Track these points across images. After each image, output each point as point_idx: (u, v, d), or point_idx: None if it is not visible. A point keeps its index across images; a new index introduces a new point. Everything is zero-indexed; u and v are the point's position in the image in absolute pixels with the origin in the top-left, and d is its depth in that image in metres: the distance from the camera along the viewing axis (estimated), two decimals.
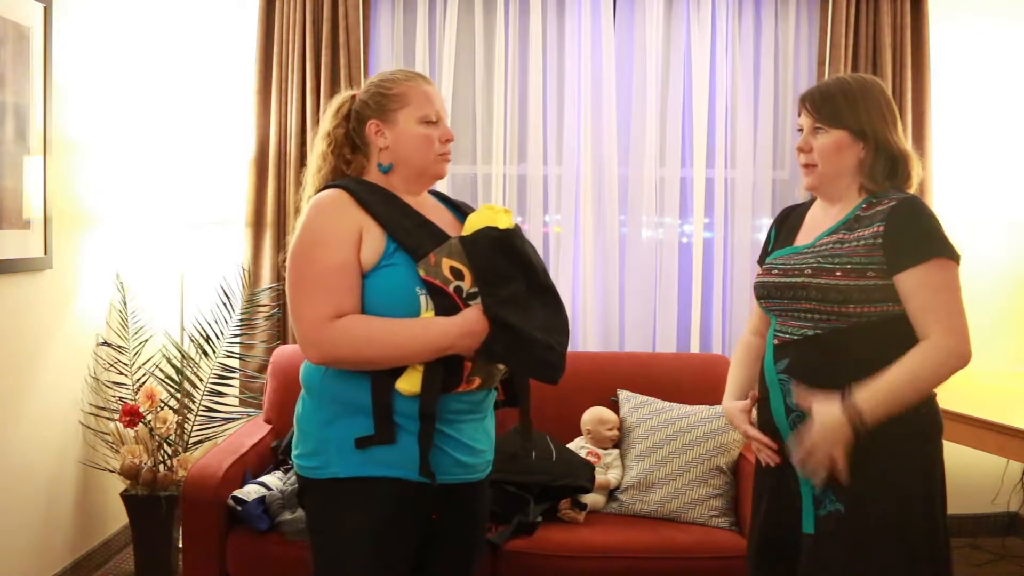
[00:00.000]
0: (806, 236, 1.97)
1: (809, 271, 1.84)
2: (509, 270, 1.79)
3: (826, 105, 1.88)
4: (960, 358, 1.76)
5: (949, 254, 1.78)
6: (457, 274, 1.76)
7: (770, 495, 2.00)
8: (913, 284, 1.77)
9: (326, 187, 1.86)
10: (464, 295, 1.76)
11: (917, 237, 1.78)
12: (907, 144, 1.92)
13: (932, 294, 1.76)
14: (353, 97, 1.95)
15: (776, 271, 1.94)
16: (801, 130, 1.94)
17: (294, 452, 1.87)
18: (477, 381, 1.80)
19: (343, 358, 1.75)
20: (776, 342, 1.91)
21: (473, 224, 1.83)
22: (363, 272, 1.77)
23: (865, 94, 1.88)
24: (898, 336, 1.80)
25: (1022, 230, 3.98)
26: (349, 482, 1.78)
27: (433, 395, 1.74)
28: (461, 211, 1.99)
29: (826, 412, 1.75)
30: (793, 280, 1.87)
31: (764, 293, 1.96)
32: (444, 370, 1.75)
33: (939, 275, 1.77)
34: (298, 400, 1.89)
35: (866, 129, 1.86)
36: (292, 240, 1.82)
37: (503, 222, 1.83)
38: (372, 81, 1.94)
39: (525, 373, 1.89)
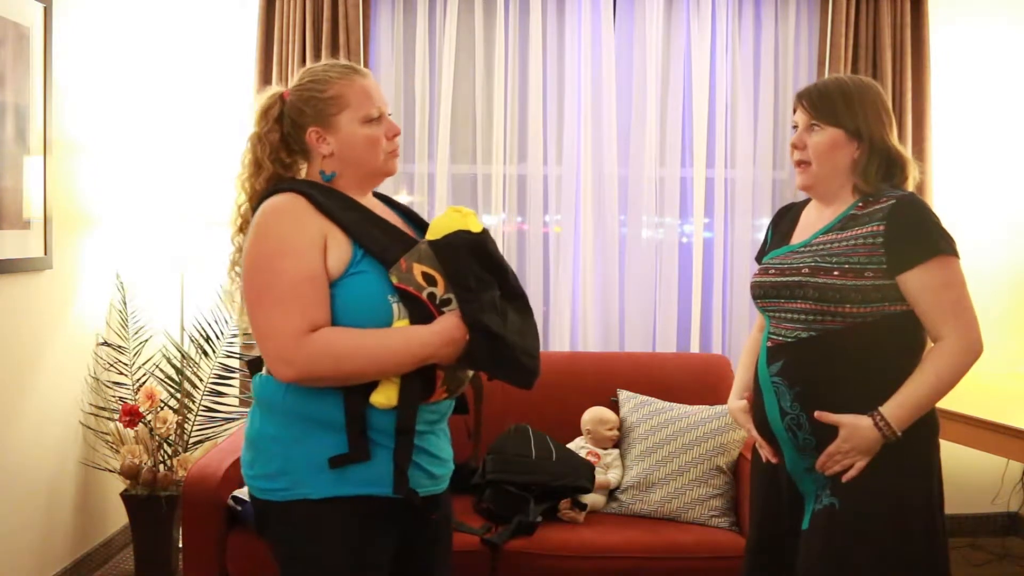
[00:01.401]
0: (801, 235, 1.97)
1: (807, 270, 1.84)
2: (485, 275, 1.71)
3: (823, 103, 1.88)
4: (974, 353, 1.80)
5: (951, 250, 1.79)
6: (430, 280, 1.67)
7: (767, 495, 2.00)
8: (918, 284, 1.77)
9: (275, 191, 1.73)
10: (437, 301, 1.68)
11: (919, 235, 1.79)
12: (904, 147, 1.93)
13: (939, 293, 1.78)
14: (282, 97, 1.80)
15: (773, 271, 1.93)
16: (796, 127, 1.94)
17: (248, 472, 1.74)
18: (446, 390, 1.74)
19: (321, 374, 1.63)
20: (770, 344, 1.91)
21: (442, 227, 1.72)
22: (330, 281, 1.66)
23: (862, 95, 1.89)
24: (893, 337, 1.80)
25: (1022, 230, 3.98)
26: (320, 503, 1.67)
27: (411, 408, 1.66)
28: (404, 212, 1.91)
29: (856, 427, 1.77)
30: (790, 279, 1.86)
31: (760, 293, 1.95)
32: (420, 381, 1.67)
33: (943, 273, 1.78)
34: (251, 416, 1.77)
35: (861, 129, 1.86)
36: (247, 249, 1.69)
37: (475, 225, 1.72)
38: (302, 82, 1.78)
39: (504, 378, 1.77)
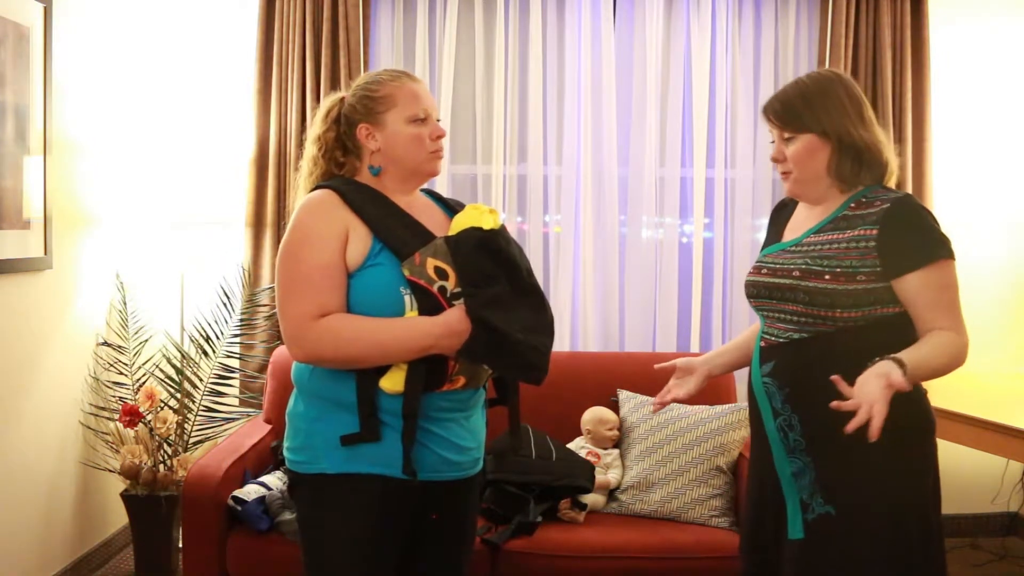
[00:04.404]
0: (792, 233, 1.96)
1: (798, 272, 1.83)
2: (492, 270, 1.79)
3: (787, 112, 1.87)
4: (965, 356, 1.78)
5: (947, 254, 1.78)
6: (441, 274, 1.77)
7: (755, 500, 1.97)
8: (917, 286, 1.76)
9: (316, 188, 1.88)
10: (448, 295, 1.77)
11: (917, 240, 1.77)
12: (877, 133, 1.87)
13: (937, 294, 1.77)
14: (342, 100, 1.94)
15: (765, 270, 1.92)
16: (774, 141, 1.92)
17: (285, 446, 1.90)
18: (462, 380, 1.82)
19: (326, 356, 1.77)
20: (763, 344, 1.90)
21: (459, 224, 1.84)
22: (349, 272, 1.79)
23: (823, 92, 1.86)
24: (884, 338, 1.77)
25: (1022, 230, 3.98)
26: (335, 478, 1.80)
27: (415, 394, 1.76)
28: (454, 210, 1.98)
29: (871, 368, 1.66)
30: (782, 281, 1.86)
31: (753, 292, 1.95)
32: (428, 369, 1.76)
33: (941, 275, 1.77)
34: (291, 396, 1.92)
35: (827, 128, 1.84)
36: (282, 241, 1.84)
37: (488, 222, 1.83)
38: (358, 84, 1.94)
39: (507, 374, 1.90)
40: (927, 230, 1.79)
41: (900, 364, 1.65)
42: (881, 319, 1.79)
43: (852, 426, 1.60)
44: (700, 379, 2.10)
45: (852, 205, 1.84)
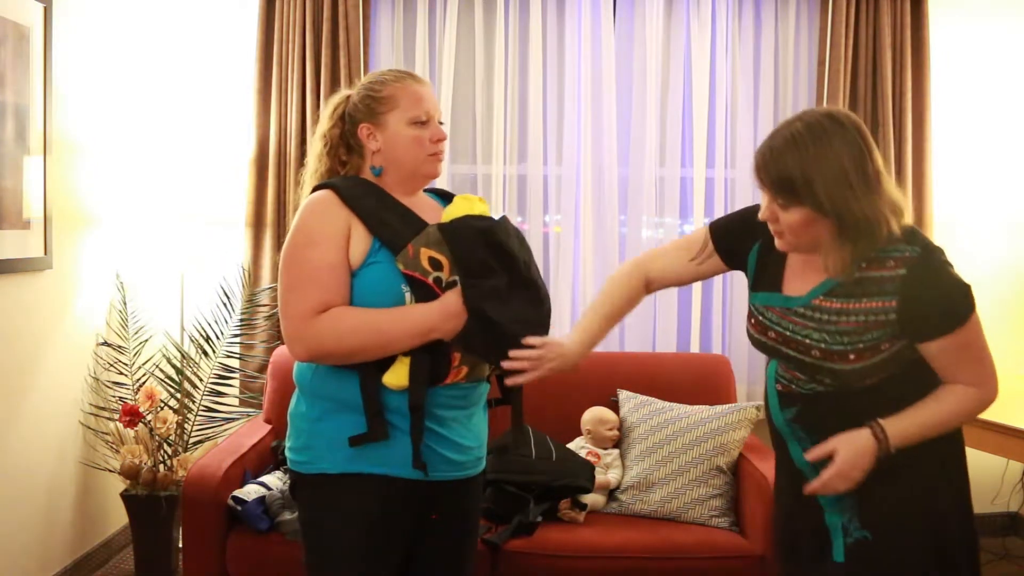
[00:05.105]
0: (795, 282, 1.78)
1: (817, 352, 1.70)
2: (492, 262, 1.79)
3: (780, 181, 1.64)
4: (989, 404, 1.76)
5: (969, 309, 1.68)
6: (436, 264, 1.76)
7: (792, 518, 1.89)
8: (938, 350, 1.69)
9: (318, 187, 1.87)
10: (443, 285, 1.77)
11: (938, 308, 1.66)
12: (884, 185, 1.65)
13: (958, 354, 1.70)
14: (348, 98, 1.94)
15: (773, 333, 1.78)
16: (764, 194, 1.73)
17: (287, 446, 1.89)
18: (465, 370, 1.81)
19: (328, 351, 1.76)
20: (779, 388, 1.81)
21: (450, 214, 1.84)
22: (352, 271, 1.79)
23: (821, 152, 1.61)
24: (912, 386, 1.73)
25: (1022, 230, 3.98)
26: (338, 478, 1.79)
27: (421, 386, 1.75)
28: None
29: (852, 436, 1.68)
30: (802, 358, 1.74)
31: (761, 350, 1.85)
32: (431, 360, 1.76)
33: (963, 337, 1.68)
34: (292, 396, 1.91)
35: (825, 206, 1.62)
36: (285, 241, 1.84)
37: (479, 211, 1.84)
38: (363, 83, 1.93)
39: (495, 363, 1.84)
40: (947, 293, 1.67)
41: (880, 439, 1.68)
42: (908, 366, 1.72)
43: (814, 487, 1.71)
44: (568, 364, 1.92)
45: (863, 265, 1.68)
